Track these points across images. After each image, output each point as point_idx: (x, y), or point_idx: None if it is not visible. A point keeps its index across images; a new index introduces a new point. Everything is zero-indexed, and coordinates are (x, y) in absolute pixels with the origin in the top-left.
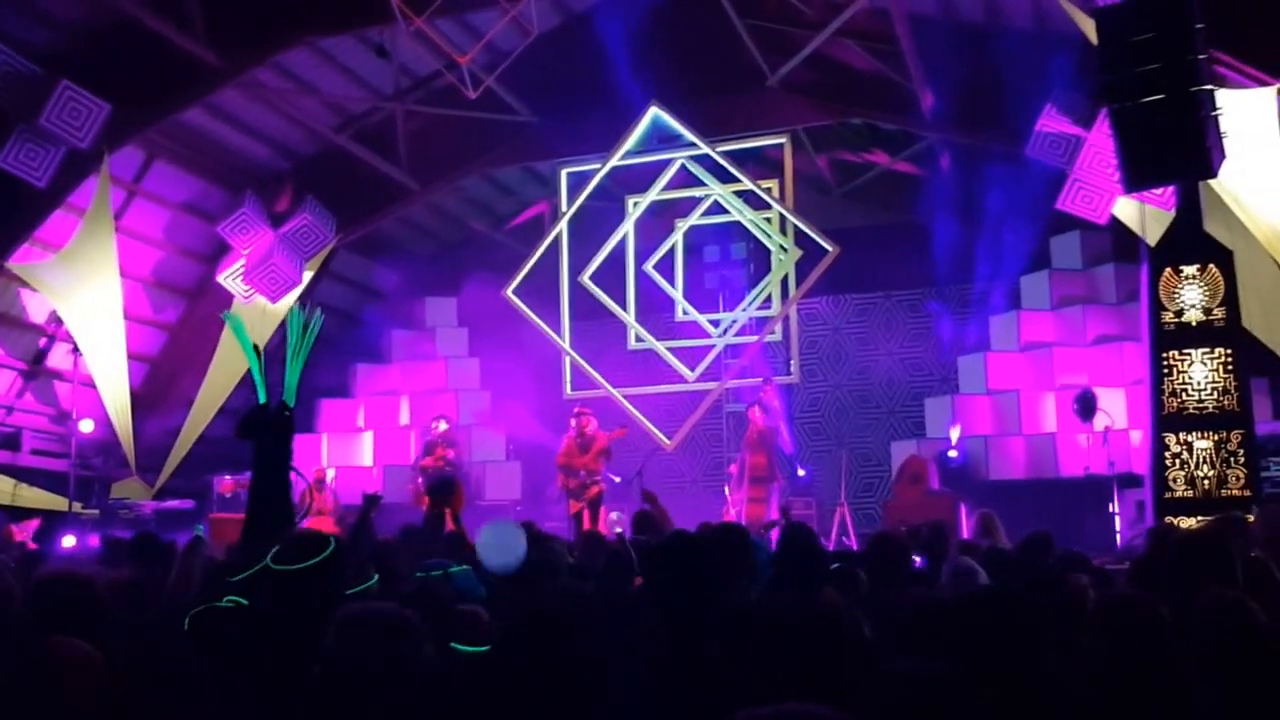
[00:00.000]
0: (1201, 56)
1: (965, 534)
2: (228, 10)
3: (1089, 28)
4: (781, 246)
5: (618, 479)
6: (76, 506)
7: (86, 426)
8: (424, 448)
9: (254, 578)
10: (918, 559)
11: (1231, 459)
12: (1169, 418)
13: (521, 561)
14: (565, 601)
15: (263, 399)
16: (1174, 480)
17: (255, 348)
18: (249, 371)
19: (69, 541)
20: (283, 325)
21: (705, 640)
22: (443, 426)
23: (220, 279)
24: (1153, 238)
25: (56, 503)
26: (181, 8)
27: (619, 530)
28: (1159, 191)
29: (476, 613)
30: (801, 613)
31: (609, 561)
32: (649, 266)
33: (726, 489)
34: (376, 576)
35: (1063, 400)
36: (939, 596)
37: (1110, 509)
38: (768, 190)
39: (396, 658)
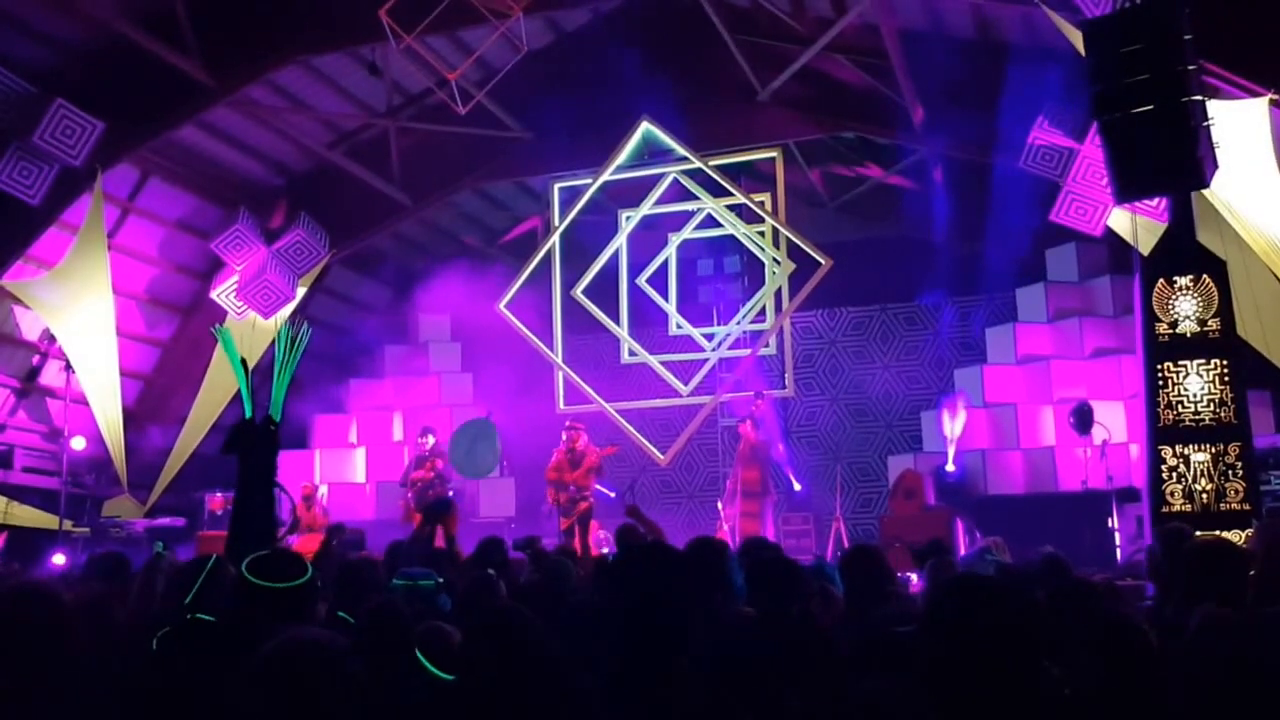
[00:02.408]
0: (1191, 67)
1: (962, 550)
2: (220, 29)
3: (1077, 40)
4: (775, 259)
5: (612, 494)
6: (67, 524)
7: (78, 444)
8: (414, 461)
9: (233, 588)
10: (914, 577)
11: (1230, 472)
12: (1165, 430)
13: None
14: (519, 614)
15: (249, 414)
16: (1171, 494)
17: (243, 362)
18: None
19: (58, 560)
20: (274, 341)
21: (673, 656)
22: (431, 441)
23: (214, 295)
24: (1145, 249)
25: (47, 521)
26: (174, 27)
27: (605, 550)
28: (1153, 203)
29: (441, 629)
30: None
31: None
32: (642, 280)
33: (719, 504)
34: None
35: (1061, 414)
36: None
37: (1109, 524)
38: (760, 204)
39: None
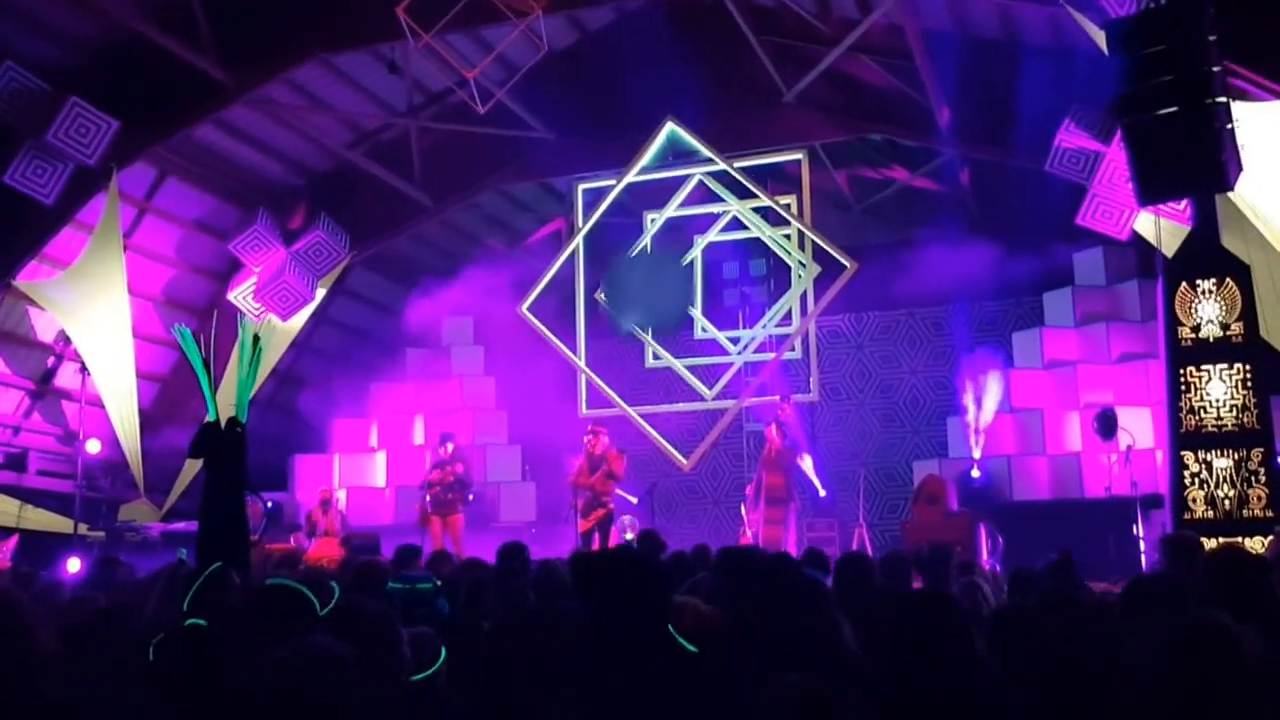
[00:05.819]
0: (1215, 69)
1: (984, 554)
2: (237, 27)
3: (1102, 40)
4: (800, 262)
5: (634, 499)
6: (82, 528)
7: (93, 447)
8: (433, 465)
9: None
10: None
11: (1253, 478)
12: (1187, 436)
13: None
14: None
15: (213, 416)
16: (1193, 500)
17: (205, 364)
18: (258, 390)
19: (74, 565)
20: (294, 344)
21: (647, 664)
22: (450, 447)
23: (231, 297)
24: (1169, 252)
25: (62, 524)
26: (191, 25)
27: (630, 536)
28: (1178, 206)
29: (422, 635)
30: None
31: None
32: None
33: (743, 509)
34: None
35: (1087, 419)
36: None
37: (1134, 531)
38: (785, 206)
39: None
